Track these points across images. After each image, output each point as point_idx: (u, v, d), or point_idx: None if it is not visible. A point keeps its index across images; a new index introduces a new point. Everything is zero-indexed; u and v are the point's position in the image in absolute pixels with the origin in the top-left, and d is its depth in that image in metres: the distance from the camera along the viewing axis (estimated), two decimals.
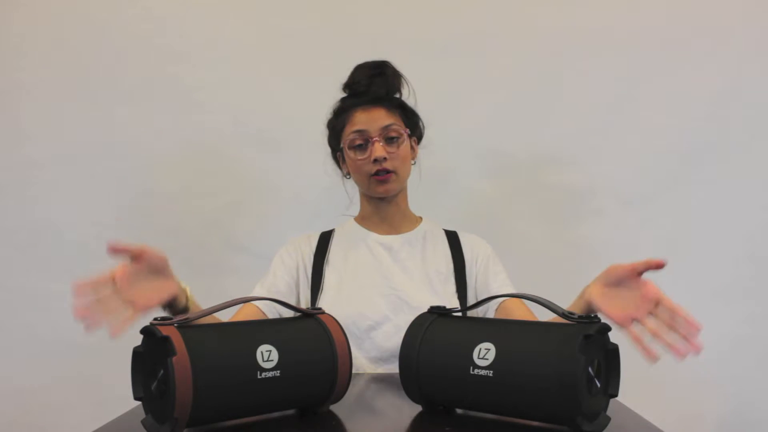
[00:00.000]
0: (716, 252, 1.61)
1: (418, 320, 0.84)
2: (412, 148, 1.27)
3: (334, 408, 0.83)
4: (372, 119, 1.19)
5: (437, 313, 0.85)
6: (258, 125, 1.68)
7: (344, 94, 1.26)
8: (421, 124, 1.31)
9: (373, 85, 1.20)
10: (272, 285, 1.22)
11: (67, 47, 1.67)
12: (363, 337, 1.16)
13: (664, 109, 1.62)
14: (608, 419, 0.71)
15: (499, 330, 0.76)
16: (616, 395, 0.73)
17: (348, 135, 1.21)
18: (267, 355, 0.73)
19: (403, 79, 1.25)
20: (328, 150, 1.32)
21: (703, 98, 1.62)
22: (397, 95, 1.25)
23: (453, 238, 1.30)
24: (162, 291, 0.89)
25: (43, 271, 1.64)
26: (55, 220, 1.65)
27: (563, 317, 0.73)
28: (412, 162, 1.29)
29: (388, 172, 1.19)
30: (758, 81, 1.61)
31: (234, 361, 0.71)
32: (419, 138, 1.32)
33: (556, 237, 1.66)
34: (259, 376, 0.72)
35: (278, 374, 0.73)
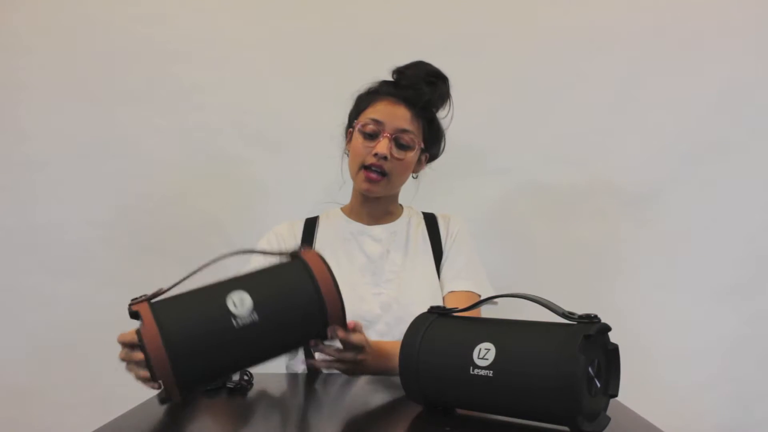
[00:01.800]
0: (716, 252, 1.61)
1: (418, 320, 0.84)
2: (419, 161, 1.26)
3: (335, 408, 0.83)
4: (394, 115, 1.16)
5: (437, 313, 0.85)
6: (258, 125, 1.68)
7: (388, 78, 1.22)
8: (442, 145, 1.29)
9: (419, 88, 1.16)
10: None
11: (67, 47, 1.67)
12: None
13: (664, 109, 1.62)
14: (608, 419, 0.71)
15: (499, 330, 0.76)
16: (616, 395, 0.73)
17: (364, 117, 1.18)
18: (239, 302, 0.72)
19: (449, 101, 1.22)
20: (334, 133, 1.31)
21: (704, 98, 1.62)
22: (434, 110, 1.22)
23: (431, 220, 1.30)
24: None
25: (43, 271, 1.64)
26: (55, 220, 1.65)
27: (563, 317, 0.73)
28: (414, 176, 1.28)
29: (382, 173, 1.17)
30: (758, 81, 1.61)
31: (205, 315, 0.70)
32: (433, 157, 1.30)
33: (556, 237, 1.66)
34: (236, 325, 0.70)
35: (257, 319, 0.71)
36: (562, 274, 1.64)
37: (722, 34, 1.62)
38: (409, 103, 1.16)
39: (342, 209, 1.32)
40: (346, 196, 1.35)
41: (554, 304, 0.76)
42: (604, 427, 0.70)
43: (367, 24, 1.67)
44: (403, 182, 1.25)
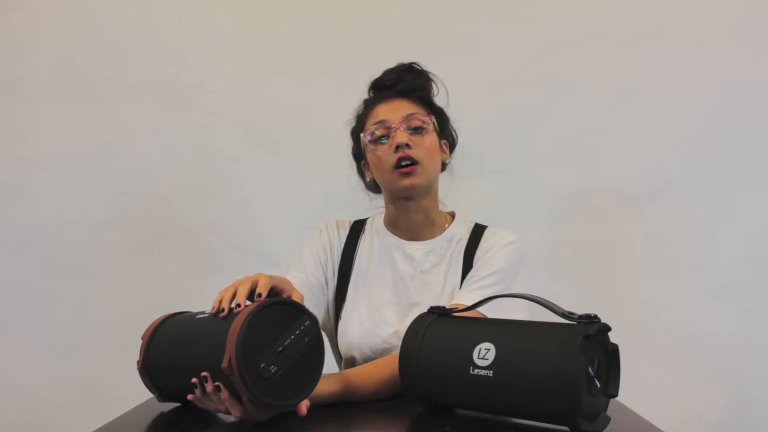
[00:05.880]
0: (716, 252, 1.61)
1: (418, 320, 0.84)
2: (442, 149, 1.18)
3: (335, 408, 0.83)
4: (394, 109, 1.12)
5: (437, 313, 0.85)
6: (258, 125, 1.68)
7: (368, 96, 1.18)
8: (451, 129, 1.23)
9: (401, 80, 1.15)
10: (304, 282, 1.14)
11: (67, 47, 1.67)
12: (375, 357, 1.10)
13: (664, 109, 1.62)
14: (608, 419, 0.71)
15: (499, 330, 0.76)
16: (616, 395, 0.73)
17: (369, 129, 1.13)
18: None
19: (432, 79, 1.19)
20: (340, 158, 1.25)
21: (704, 98, 1.62)
22: (426, 92, 1.18)
23: (476, 235, 1.18)
24: None
25: (43, 271, 1.64)
26: (55, 220, 1.65)
27: (563, 317, 0.73)
28: (445, 162, 1.21)
29: (412, 162, 1.08)
30: (758, 81, 1.61)
31: None
32: (451, 144, 1.23)
33: (556, 237, 1.66)
34: None
35: None
36: (562, 274, 1.64)
37: (722, 34, 1.62)
38: (400, 93, 1.14)
39: (384, 218, 1.23)
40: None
41: (554, 304, 0.76)
42: (604, 427, 0.70)
43: (367, 24, 1.67)
44: (436, 169, 1.15)
